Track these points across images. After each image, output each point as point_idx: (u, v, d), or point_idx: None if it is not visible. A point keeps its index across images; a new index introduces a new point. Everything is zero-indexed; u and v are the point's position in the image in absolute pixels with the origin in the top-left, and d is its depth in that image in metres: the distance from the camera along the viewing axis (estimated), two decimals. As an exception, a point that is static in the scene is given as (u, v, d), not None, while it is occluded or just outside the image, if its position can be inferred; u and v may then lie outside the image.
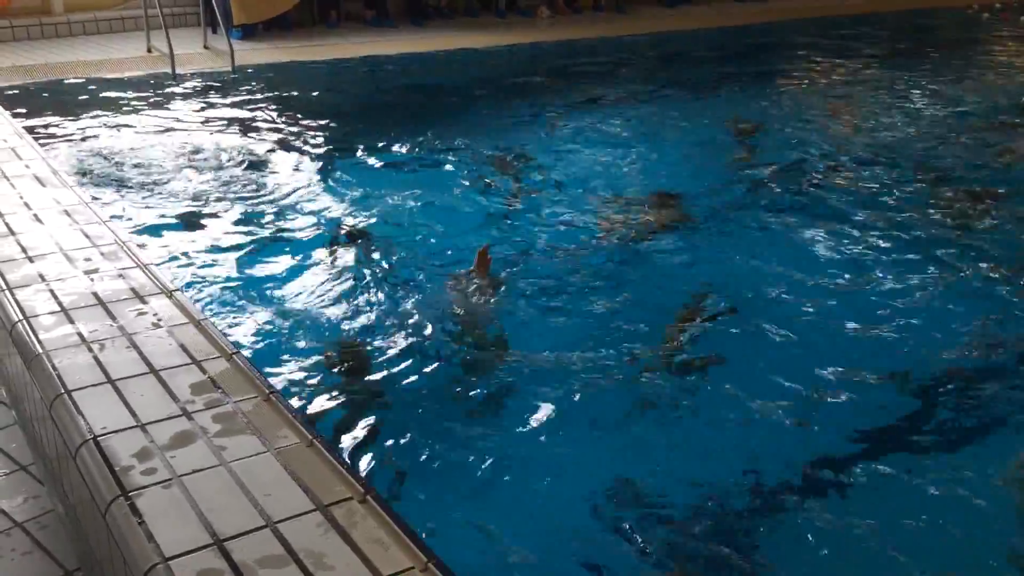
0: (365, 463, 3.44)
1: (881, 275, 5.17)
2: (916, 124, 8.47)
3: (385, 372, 4.10)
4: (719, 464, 3.53)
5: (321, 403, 3.82)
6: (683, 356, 4.36)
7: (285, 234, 5.61)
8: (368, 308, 4.63)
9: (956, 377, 4.21)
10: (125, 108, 8.41)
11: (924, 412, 4.00)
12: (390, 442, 3.61)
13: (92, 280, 3.33)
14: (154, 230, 5.59)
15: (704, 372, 4.26)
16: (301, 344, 4.23)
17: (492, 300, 4.77)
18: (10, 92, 8.25)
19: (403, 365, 4.16)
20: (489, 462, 3.46)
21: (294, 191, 6.33)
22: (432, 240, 5.54)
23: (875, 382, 4.11)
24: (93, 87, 8.90)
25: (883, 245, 5.59)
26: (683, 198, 6.45)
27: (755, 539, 3.19)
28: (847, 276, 5.18)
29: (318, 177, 6.65)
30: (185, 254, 5.25)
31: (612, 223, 6.01)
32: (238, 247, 5.39)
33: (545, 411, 3.84)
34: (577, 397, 3.96)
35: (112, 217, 4.24)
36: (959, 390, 4.12)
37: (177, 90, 9.15)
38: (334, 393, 3.90)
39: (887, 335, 4.54)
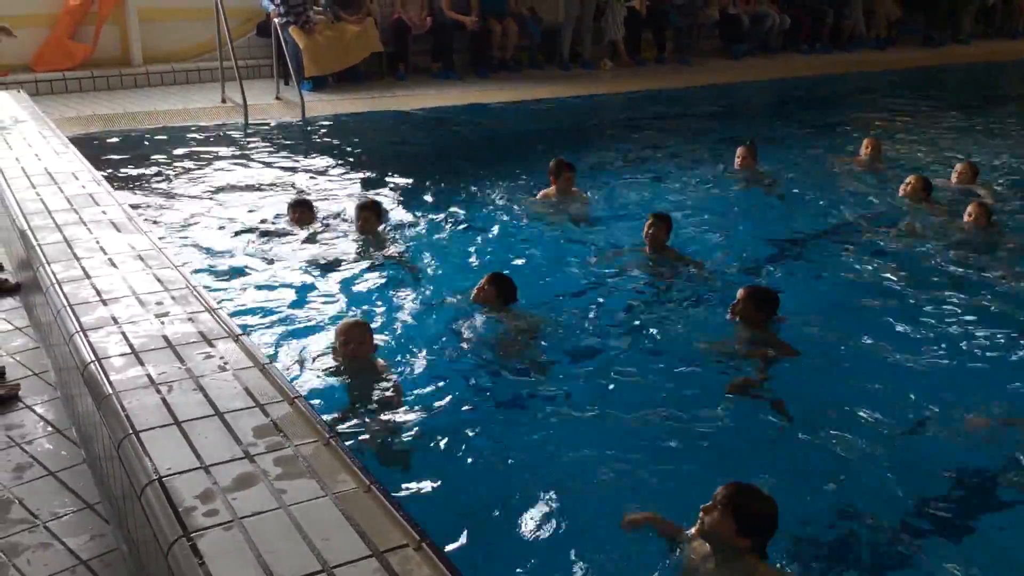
0: (421, 509, 3.45)
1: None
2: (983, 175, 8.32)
3: (445, 417, 4.12)
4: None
5: (379, 447, 3.85)
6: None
7: (351, 280, 5.69)
8: (433, 355, 4.66)
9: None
10: (199, 156, 8.67)
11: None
12: (447, 487, 3.61)
13: (163, 323, 3.42)
14: (223, 274, 5.73)
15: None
16: (361, 388, 4.27)
17: (534, 339, 4.85)
18: (90, 140, 8.56)
19: (465, 410, 4.19)
20: (544, 506, 3.45)
21: (362, 237, 6.41)
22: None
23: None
24: (169, 135, 9.20)
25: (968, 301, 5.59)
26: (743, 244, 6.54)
27: None
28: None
29: (385, 224, 6.75)
30: (252, 298, 5.36)
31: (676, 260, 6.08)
32: (305, 292, 5.49)
33: (607, 455, 3.83)
34: (647, 447, 3.96)
35: (183, 261, 4.36)
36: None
37: (249, 139, 9.42)
38: (392, 437, 3.93)
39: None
